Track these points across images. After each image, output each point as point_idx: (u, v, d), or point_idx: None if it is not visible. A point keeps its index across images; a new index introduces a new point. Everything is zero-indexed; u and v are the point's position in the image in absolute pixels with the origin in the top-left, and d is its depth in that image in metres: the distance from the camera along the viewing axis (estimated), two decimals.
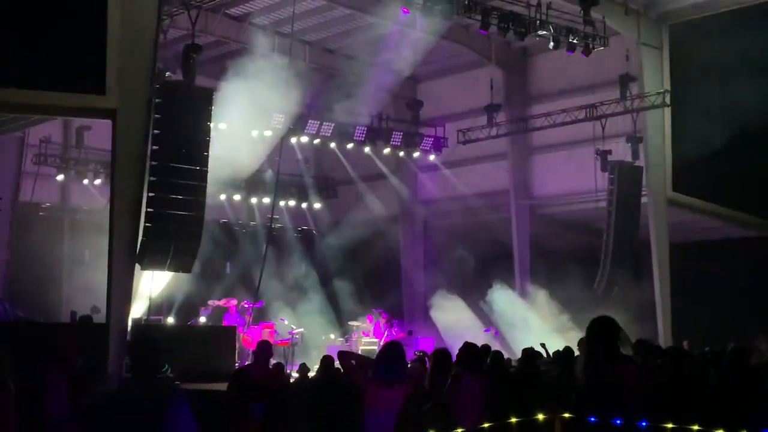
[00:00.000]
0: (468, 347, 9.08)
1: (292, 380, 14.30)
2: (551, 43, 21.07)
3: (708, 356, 11.57)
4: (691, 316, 22.74)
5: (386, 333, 23.81)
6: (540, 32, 20.82)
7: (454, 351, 9.28)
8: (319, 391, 11.93)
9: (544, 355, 14.25)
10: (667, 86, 22.98)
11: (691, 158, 22.77)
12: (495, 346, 16.48)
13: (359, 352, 22.42)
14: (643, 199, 23.76)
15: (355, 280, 27.96)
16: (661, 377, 9.02)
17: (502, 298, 26.53)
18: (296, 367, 15.90)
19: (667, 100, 22.47)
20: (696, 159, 22.51)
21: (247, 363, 17.50)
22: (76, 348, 8.33)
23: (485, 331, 25.09)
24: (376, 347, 22.97)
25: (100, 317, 17.49)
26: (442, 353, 9.01)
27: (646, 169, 23.58)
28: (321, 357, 13.03)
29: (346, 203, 30.67)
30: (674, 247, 23.70)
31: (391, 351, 7.69)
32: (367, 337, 24.07)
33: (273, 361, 12.61)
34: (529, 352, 11.97)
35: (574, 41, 21.09)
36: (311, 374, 15.13)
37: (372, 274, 28.41)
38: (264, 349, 11.43)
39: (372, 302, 26.70)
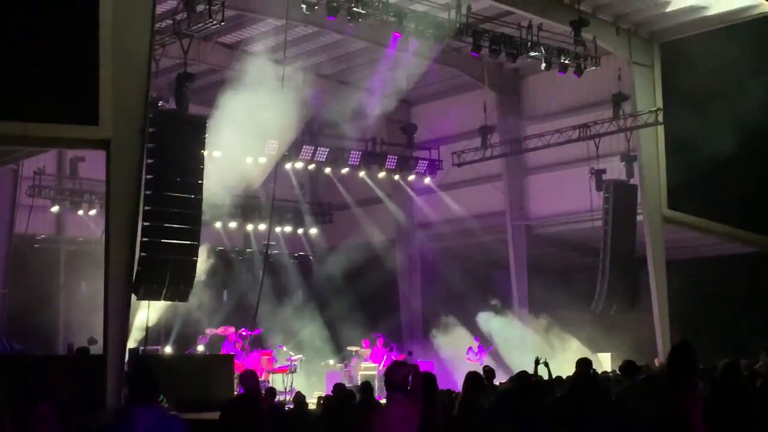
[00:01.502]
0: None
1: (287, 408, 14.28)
2: (543, 64, 21.16)
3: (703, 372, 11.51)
4: (693, 333, 22.61)
5: (386, 357, 23.71)
6: (532, 53, 20.91)
7: (453, 374, 9.27)
8: (334, 412, 12.06)
9: (547, 374, 13.90)
10: (660, 104, 23.05)
11: (685, 175, 22.80)
12: (490, 365, 16.30)
13: (358, 378, 22.38)
14: (639, 217, 23.76)
15: (353, 304, 27.80)
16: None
17: (497, 319, 26.43)
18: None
19: (660, 118, 22.52)
20: (690, 176, 22.54)
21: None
22: (56, 381, 8.35)
23: (468, 351, 24.64)
24: (375, 372, 22.88)
25: (97, 348, 17.40)
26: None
27: (640, 187, 23.60)
28: (321, 384, 13.09)
29: (343, 228, 30.62)
30: (672, 264, 23.66)
31: (390, 370, 7.89)
32: (366, 363, 23.97)
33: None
34: (522, 375, 11.75)
35: (566, 62, 21.17)
36: (309, 400, 15.06)
37: (370, 299, 28.27)
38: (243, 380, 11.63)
39: (370, 326, 26.57)
